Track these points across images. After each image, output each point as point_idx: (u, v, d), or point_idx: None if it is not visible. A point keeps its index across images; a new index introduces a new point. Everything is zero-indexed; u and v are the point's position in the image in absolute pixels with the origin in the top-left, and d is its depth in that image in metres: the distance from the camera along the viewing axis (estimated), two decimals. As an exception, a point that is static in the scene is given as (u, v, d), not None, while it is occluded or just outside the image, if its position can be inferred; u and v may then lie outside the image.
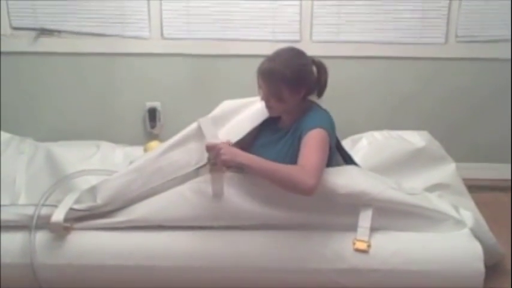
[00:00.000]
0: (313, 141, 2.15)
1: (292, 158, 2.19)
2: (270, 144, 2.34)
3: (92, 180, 2.45)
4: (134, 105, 3.46)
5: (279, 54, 2.24)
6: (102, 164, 2.74)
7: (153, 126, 3.47)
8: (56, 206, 2.24)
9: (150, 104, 3.45)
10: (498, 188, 3.25)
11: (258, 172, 2.09)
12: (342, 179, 2.23)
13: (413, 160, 2.64)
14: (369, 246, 2.17)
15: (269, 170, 2.08)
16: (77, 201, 2.28)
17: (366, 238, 2.19)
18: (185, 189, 2.26)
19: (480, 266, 2.18)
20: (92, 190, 2.30)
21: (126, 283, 2.23)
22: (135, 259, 2.20)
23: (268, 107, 2.28)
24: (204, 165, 2.30)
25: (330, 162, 2.28)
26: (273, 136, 2.35)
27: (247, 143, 2.39)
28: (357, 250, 2.17)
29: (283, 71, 2.19)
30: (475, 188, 2.81)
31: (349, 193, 2.20)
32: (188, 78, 3.42)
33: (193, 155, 2.35)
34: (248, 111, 2.45)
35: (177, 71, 3.42)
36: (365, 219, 2.21)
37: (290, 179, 2.05)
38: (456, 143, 3.19)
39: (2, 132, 2.86)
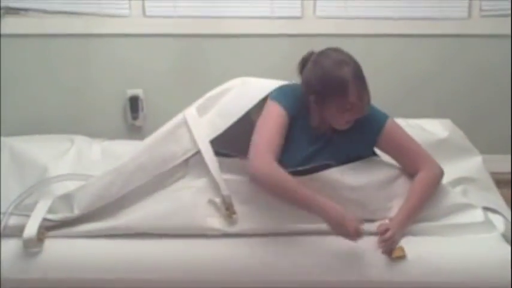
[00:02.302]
0: (398, 135, 2.33)
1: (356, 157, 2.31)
2: (319, 152, 2.30)
3: (67, 183, 2.43)
4: (113, 93, 3.44)
5: (342, 55, 2.25)
6: (77, 162, 2.70)
7: (135, 117, 3.45)
8: (26, 216, 2.21)
9: (131, 92, 3.43)
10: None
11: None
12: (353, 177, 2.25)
13: (435, 152, 2.54)
14: (403, 250, 2.17)
15: (423, 202, 2.25)
16: (50, 210, 2.25)
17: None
18: (177, 192, 2.28)
19: (509, 279, 2.14)
20: (68, 197, 2.28)
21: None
22: (118, 272, 2.18)
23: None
24: (193, 156, 2.31)
25: None
26: (318, 142, 2.30)
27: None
28: (396, 258, 2.16)
29: None
30: (504, 183, 2.78)
31: (361, 193, 2.24)
32: (174, 61, 3.40)
33: (179, 145, 2.34)
34: (238, 90, 2.44)
35: (162, 53, 3.40)
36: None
37: (434, 183, 2.29)
38: (482, 132, 3.18)
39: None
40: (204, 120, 2.39)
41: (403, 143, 2.32)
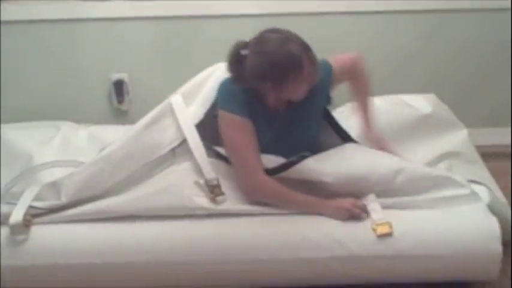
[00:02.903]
0: (338, 61, 2.47)
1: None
2: (284, 135, 2.33)
3: (54, 171, 2.45)
4: (97, 77, 3.39)
5: (279, 33, 2.17)
6: (63, 148, 2.71)
7: (120, 101, 3.41)
8: (13, 204, 2.23)
9: (116, 76, 3.38)
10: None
11: None
12: (332, 164, 2.27)
13: (420, 128, 2.64)
14: (391, 227, 2.18)
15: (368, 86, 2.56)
16: (37, 198, 2.27)
17: (384, 220, 2.19)
18: (163, 177, 2.30)
19: (497, 248, 2.17)
20: (55, 185, 2.29)
21: (96, 283, 2.23)
22: (106, 256, 2.19)
23: None
24: (179, 146, 2.33)
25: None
26: (278, 121, 2.32)
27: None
28: (382, 235, 2.17)
29: None
30: (489, 155, 2.79)
31: (342, 181, 2.25)
32: (159, 44, 3.36)
33: (165, 134, 2.35)
34: (216, 75, 2.44)
35: (146, 36, 3.35)
36: (371, 200, 2.25)
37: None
38: (467, 106, 3.17)
39: None
40: (191, 109, 2.39)
41: (338, 62, 2.47)
